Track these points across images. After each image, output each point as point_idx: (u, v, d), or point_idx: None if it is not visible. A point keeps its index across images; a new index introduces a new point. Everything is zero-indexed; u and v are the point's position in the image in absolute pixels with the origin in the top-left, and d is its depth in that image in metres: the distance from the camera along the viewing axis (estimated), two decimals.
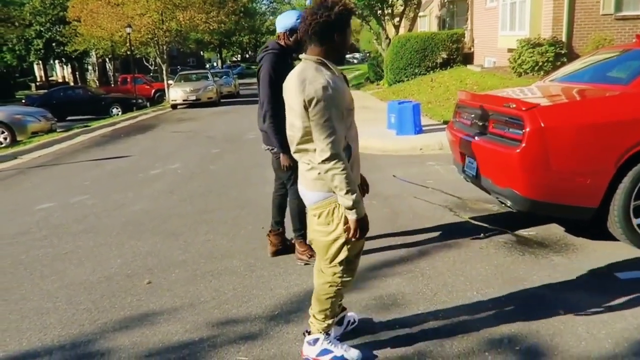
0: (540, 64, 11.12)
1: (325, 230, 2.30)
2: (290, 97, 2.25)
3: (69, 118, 19.87)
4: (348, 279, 2.43)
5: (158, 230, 4.83)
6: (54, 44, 33.49)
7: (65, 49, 30.23)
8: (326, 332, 2.52)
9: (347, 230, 2.23)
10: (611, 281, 3.23)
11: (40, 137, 12.64)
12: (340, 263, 2.35)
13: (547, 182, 3.52)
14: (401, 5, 20.84)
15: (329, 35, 2.21)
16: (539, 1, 12.10)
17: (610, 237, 3.69)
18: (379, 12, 20.06)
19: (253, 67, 62.56)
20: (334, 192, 2.23)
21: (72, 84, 37.51)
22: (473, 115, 4.31)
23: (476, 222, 4.44)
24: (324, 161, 2.10)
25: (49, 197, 6.51)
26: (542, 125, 3.42)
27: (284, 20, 3.51)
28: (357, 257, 2.43)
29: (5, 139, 12.38)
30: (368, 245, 4.04)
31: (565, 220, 4.15)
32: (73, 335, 2.96)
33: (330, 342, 2.53)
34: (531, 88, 4.70)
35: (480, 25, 16.54)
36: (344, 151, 2.19)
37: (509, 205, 3.80)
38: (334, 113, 2.12)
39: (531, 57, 11.18)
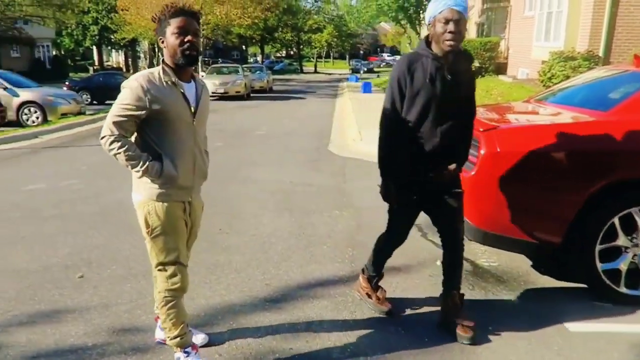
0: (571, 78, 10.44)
1: (144, 233, 2.32)
2: None
3: (108, 102, 20.47)
4: (175, 286, 2.33)
5: (122, 223, 4.77)
6: (108, 32, 35.20)
7: (114, 36, 31.45)
8: (183, 348, 2.38)
9: (149, 233, 2.27)
10: (557, 332, 2.88)
11: (67, 119, 13.11)
12: (157, 267, 2.33)
13: (501, 213, 3.19)
14: None
15: (160, 38, 2.21)
16: (577, 12, 11.38)
17: (581, 279, 3.32)
18: (414, 15, 19.56)
19: (294, 63, 62.17)
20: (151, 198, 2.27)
21: (124, 69, 39.21)
22: None
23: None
24: (101, 139, 2.16)
25: (42, 178, 6.63)
26: (498, 149, 3.11)
27: (428, 9, 2.64)
28: (174, 264, 2.31)
29: (37, 118, 12.95)
30: (313, 260, 3.87)
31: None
32: None
33: None
34: (508, 106, 4.34)
35: (517, 35, 15.78)
36: (156, 160, 2.20)
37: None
38: (124, 107, 2.12)
39: (562, 71, 10.50)
